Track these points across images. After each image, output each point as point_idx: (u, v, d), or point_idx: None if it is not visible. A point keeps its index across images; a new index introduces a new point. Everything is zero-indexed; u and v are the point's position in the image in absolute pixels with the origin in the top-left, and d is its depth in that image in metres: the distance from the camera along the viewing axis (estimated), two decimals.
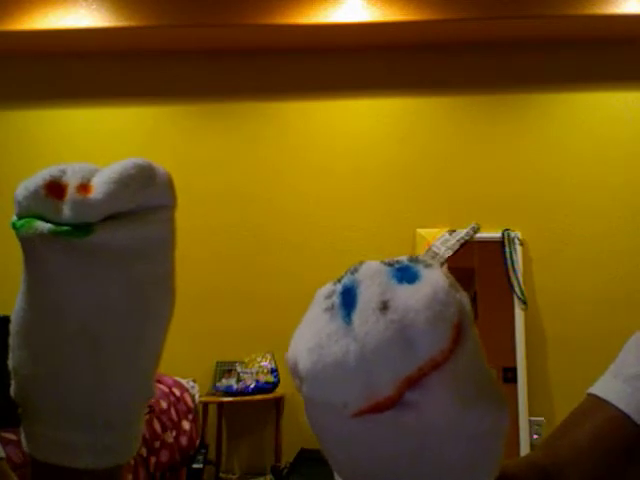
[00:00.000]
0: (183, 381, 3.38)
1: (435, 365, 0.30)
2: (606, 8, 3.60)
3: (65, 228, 0.39)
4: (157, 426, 2.83)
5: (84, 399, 0.42)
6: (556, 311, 3.71)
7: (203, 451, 3.34)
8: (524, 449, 3.46)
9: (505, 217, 3.80)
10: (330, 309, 0.33)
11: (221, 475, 3.58)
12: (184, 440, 3.09)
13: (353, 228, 3.87)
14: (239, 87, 4.09)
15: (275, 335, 3.28)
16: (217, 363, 3.74)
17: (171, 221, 0.44)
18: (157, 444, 2.80)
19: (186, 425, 3.15)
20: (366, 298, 0.32)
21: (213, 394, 3.67)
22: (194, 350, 3.66)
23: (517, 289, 3.67)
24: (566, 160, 3.87)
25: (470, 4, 3.66)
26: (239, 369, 3.62)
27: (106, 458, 0.43)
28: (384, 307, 0.31)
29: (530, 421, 3.55)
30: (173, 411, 3.05)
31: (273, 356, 3.62)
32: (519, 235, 3.74)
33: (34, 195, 0.40)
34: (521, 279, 3.67)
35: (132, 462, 2.42)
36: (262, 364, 3.60)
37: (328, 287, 0.34)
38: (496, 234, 3.74)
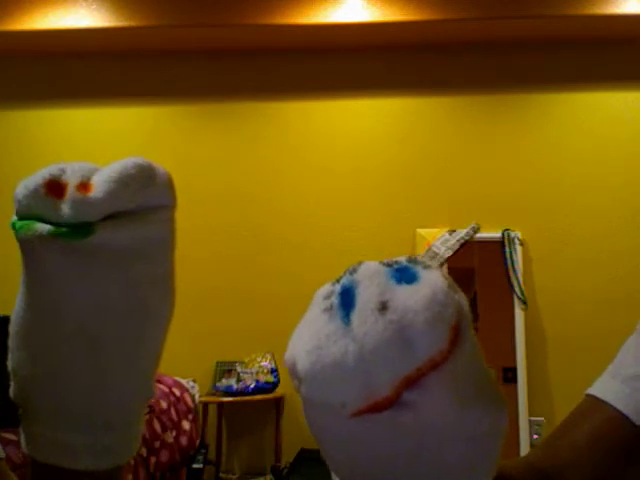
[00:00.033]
0: (183, 381, 3.38)
1: (434, 365, 0.30)
2: (606, 8, 3.60)
3: (64, 230, 0.39)
4: (157, 426, 2.83)
5: (83, 399, 0.42)
6: (556, 311, 3.71)
7: (203, 451, 3.34)
8: (524, 449, 3.46)
9: (505, 217, 3.80)
10: (329, 309, 0.33)
11: (221, 475, 3.58)
12: (184, 440, 3.09)
13: (353, 228, 3.87)
14: (239, 87, 4.09)
15: (275, 335, 3.28)
16: (217, 363, 3.74)
17: (171, 221, 0.44)
18: (157, 444, 2.80)
19: (186, 425, 3.16)
20: (365, 298, 0.32)
21: (213, 394, 3.67)
22: (194, 350, 3.67)
23: (517, 289, 3.67)
24: (566, 160, 3.87)
25: (470, 4, 3.66)
26: (239, 369, 3.62)
27: (106, 459, 0.43)
28: (383, 307, 0.31)
29: (530, 421, 3.55)
30: (173, 411, 3.05)
31: (273, 356, 3.62)
32: (519, 235, 3.74)
33: (34, 194, 0.40)
34: (521, 279, 3.67)
35: (132, 462, 2.42)
36: (262, 364, 3.60)
37: (327, 287, 0.34)
38: (496, 234, 3.74)
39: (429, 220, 3.81)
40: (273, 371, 3.58)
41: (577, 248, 3.77)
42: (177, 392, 3.21)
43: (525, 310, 3.68)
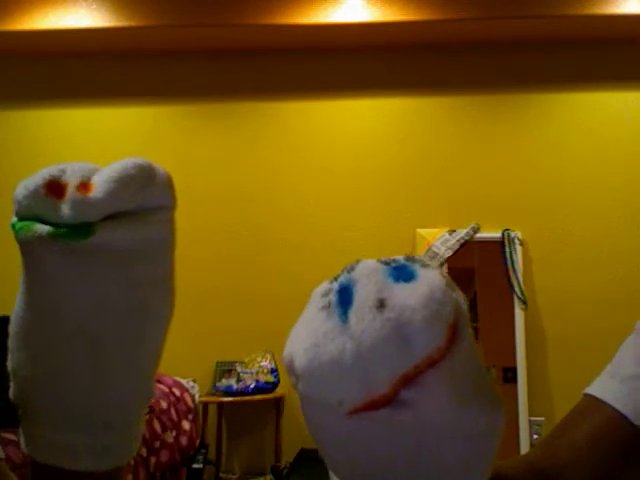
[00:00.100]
0: (183, 381, 3.38)
1: (431, 363, 0.30)
2: (606, 8, 3.60)
3: (64, 230, 0.39)
4: (157, 426, 2.83)
5: (83, 399, 0.42)
6: (556, 311, 3.71)
7: (203, 451, 3.34)
8: (524, 449, 3.46)
9: (505, 217, 3.80)
10: (327, 307, 0.33)
11: (221, 475, 3.58)
12: (184, 440, 3.09)
13: (353, 228, 3.87)
14: (239, 87, 4.09)
15: (275, 335, 3.27)
16: (217, 363, 3.74)
17: (171, 221, 0.44)
18: (157, 444, 2.80)
19: (186, 425, 3.16)
20: (362, 296, 0.32)
21: (213, 394, 3.67)
22: (194, 350, 3.66)
23: (517, 289, 3.67)
24: (566, 160, 3.87)
25: (470, 4, 3.66)
26: (239, 369, 3.62)
27: (106, 459, 0.43)
28: (381, 305, 0.31)
29: (530, 421, 3.55)
30: (173, 411, 3.05)
31: (273, 356, 3.62)
32: (519, 235, 3.74)
33: (34, 194, 0.40)
34: (521, 279, 3.67)
35: (132, 462, 2.42)
36: (262, 364, 3.60)
37: (325, 285, 0.34)
38: (496, 234, 3.74)
39: (429, 220, 3.81)
40: (273, 371, 3.58)
41: (577, 248, 3.77)
42: (177, 392, 3.21)
43: (525, 310, 3.68)
